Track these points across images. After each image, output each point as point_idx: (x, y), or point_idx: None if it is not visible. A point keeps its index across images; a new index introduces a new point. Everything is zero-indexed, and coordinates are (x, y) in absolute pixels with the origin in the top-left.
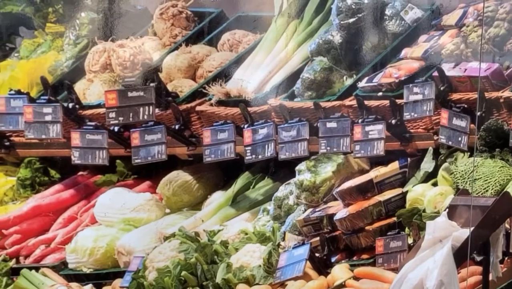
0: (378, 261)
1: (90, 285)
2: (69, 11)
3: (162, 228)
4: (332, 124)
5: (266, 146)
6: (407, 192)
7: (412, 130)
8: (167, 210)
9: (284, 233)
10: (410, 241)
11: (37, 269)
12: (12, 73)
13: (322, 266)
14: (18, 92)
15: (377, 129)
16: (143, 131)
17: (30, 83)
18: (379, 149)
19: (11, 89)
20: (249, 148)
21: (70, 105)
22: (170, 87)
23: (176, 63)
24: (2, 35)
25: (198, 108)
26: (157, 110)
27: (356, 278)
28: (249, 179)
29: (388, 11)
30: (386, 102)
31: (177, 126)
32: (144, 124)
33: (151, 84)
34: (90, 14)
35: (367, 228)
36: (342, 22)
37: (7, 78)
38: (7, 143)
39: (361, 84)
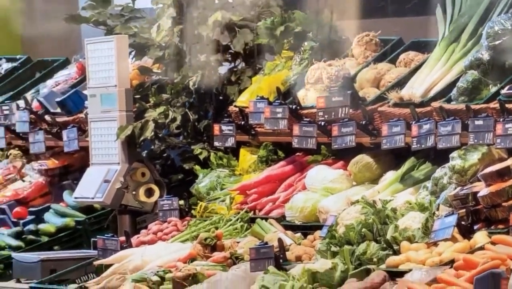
0: None
1: (299, 234)
2: (297, 41)
3: (349, 195)
4: (479, 122)
5: (428, 138)
6: None
7: None
8: (354, 183)
9: (438, 205)
10: None
11: (266, 219)
12: (259, 85)
13: (466, 232)
14: (261, 98)
15: None
16: (340, 125)
17: (269, 91)
18: None
19: (257, 96)
20: (415, 139)
21: (294, 106)
22: (360, 94)
23: (366, 76)
24: (255, 59)
25: (379, 109)
26: (351, 110)
27: (493, 243)
28: (414, 163)
29: None
30: None
31: (364, 122)
32: (341, 120)
33: (348, 92)
34: (311, 43)
35: (503, 204)
36: (490, 44)
37: (255, 89)
38: (253, 132)
39: (504, 91)
